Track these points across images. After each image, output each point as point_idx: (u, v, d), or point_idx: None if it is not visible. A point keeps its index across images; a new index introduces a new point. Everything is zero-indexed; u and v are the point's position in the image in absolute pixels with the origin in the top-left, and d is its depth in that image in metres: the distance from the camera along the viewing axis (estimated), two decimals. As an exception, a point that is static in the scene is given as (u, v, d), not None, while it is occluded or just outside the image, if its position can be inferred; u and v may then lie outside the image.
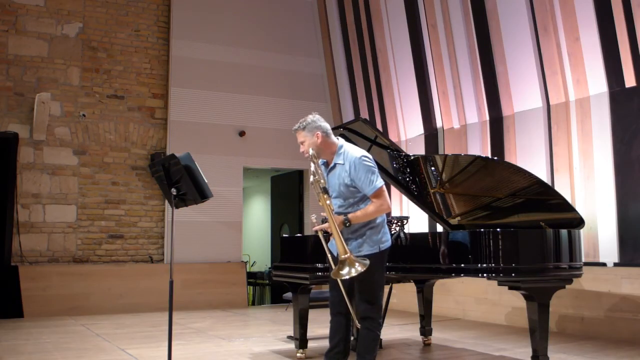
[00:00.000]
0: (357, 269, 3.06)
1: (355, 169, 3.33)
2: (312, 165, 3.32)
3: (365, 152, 3.44)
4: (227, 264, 9.02)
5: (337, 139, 3.50)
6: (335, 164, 3.44)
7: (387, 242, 3.44)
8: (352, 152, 3.40)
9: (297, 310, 4.83)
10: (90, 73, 8.68)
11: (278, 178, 11.12)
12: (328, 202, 3.25)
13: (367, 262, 3.10)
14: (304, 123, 3.45)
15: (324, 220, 3.41)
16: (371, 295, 3.36)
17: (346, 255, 3.10)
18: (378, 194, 3.32)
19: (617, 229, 5.80)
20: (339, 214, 3.39)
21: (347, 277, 3.08)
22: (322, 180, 3.30)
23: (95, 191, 8.57)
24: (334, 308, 3.49)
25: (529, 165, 6.30)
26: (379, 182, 3.34)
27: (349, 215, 3.33)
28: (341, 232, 3.22)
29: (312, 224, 3.43)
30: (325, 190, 3.28)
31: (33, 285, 7.64)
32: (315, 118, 3.47)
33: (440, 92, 7.98)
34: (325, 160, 3.52)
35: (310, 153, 3.37)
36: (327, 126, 3.47)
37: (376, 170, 3.38)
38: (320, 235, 3.38)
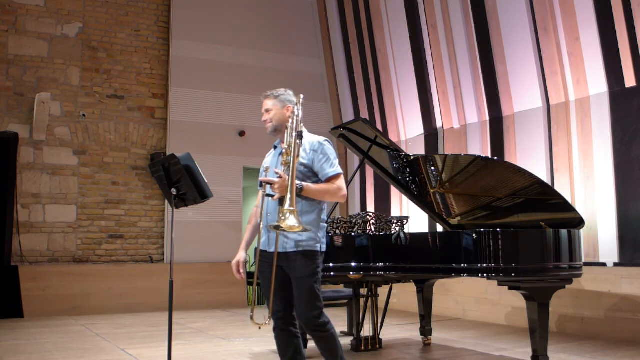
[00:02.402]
0: (295, 221, 2.73)
1: (317, 150, 3.08)
2: (297, 109, 3.08)
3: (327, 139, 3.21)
4: (227, 264, 9.01)
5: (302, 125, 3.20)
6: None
7: (325, 245, 3.12)
8: (313, 136, 3.18)
9: (297, 310, 4.82)
10: (90, 73, 8.68)
11: (278, 178, 11.12)
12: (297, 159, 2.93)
13: (309, 228, 2.87)
14: (277, 93, 3.20)
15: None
16: (316, 299, 2.99)
17: (292, 208, 2.76)
18: (337, 177, 3.06)
19: (617, 229, 5.80)
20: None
21: (286, 225, 2.72)
22: (302, 124, 3.04)
23: (95, 191, 8.57)
24: (279, 319, 3.09)
25: (529, 165, 6.30)
26: (340, 169, 3.11)
27: (304, 184, 2.96)
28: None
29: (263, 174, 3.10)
30: (300, 136, 2.98)
31: (33, 285, 7.64)
32: (289, 92, 3.24)
33: (440, 92, 7.99)
34: (278, 141, 3.29)
35: (301, 98, 3.13)
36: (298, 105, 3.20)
37: (338, 159, 3.17)
38: (264, 190, 3.01)
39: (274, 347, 5.34)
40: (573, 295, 5.93)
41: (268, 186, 2.97)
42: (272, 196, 2.94)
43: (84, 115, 8.58)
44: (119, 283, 8.14)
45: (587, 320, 5.85)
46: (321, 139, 3.16)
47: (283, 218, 2.74)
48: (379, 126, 9.03)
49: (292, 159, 2.90)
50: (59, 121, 8.44)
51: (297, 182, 2.92)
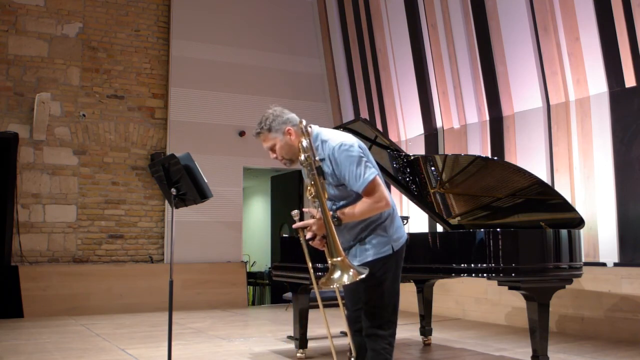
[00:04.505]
0: (350, 277, 2.39)
1: (337, 163, 2.59)
2: (304, 141, 2.58)
3: (345, 138, 2.64)
4: (227, 264, 9.02)
5: (310, 127, 2.66)
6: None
7: (401, 237, 2.71)
8: (330, 140, 2.64)
9: (297, 310, 4.83)
10: (90, 73, 8.68)
11: (278, 178, 11.12)
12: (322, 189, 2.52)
13: (366, 270, 2.45)
14: (268, 122, 2.67)
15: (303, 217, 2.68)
16: (379, 307, 2.66)
17: (339, 258, 2.42)
18: (370, 189, 2.56)
19: (617, 229, 5.80)
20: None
21: (337, 285, 2.41)
22: (317, 158, 2.56)
23: (95, 191, 8.57)
24: (352, 324, 2.83)
25: (529, 165, 6.30)
26: (370, 173, 2.57)
27: (339, 212, 2.59)
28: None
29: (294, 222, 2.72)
30: (320, 171, 2.53)
31: (33, 285, 7.64)
32: (278, 111, 2.70)
33: (440, 92, 7.98)
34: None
35: (304, 124, 2.61)
36: (295, 116, 2.72)
37: (363, 158, 2.61)
38: (302, 237, 2.65)
39: (274, 347, 5.36)
40: (573, 295, 5.93)
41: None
42: (312, 239, 2.61)
43: (84, 115, 8.58)
44: (119, 283, 8.14)
45: (587, 320, 5.85)
46: (336, 143, 2.63)
47: (332, 276, 2.41)
48: (379, 126, 9.03)
49: (319, 201, 2.50)
50: (59, 121, 8.43)
51: (332, 213, 2.56)
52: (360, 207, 2.58)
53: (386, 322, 2.66)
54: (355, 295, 2.76)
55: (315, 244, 2.63)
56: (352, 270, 2.40)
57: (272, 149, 2.71)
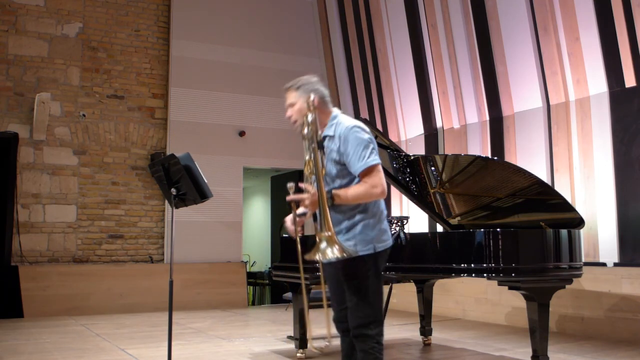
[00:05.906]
0: (334, 252, 2.40)
1: (345, 140, 2.63)
2: (310, 115, 2.64)
3: (361, 124, 2.72)
4: (227, 264, 9.02)
5: (332, 107, 2.81)
6: (324, 137, 2.74)
7: (385, 241, 2.72)
8: (345, 122, 2.72)
9: (297, 310, 4.83)
10: (90, 73, 8.68)
11: (278, 178, 11.12)
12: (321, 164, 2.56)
13: (351, 251, 2.49)
14: (300, 82, 2.80)
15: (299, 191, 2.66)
16: (364, 306, 2.65)
17: (328, 233, 2.42)
18: (369, 171, 2.58)
19: (617, 229, 5.80)
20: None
21: (323, 259, 2.43)
22: (320, 132, 2.64)
23: (95, 191, 8.57)
24: (339, 324, 2.83)
25: (529, 165, 6.30)
26: (374, 159, 2.60)
27: (334, 191, 2.59)
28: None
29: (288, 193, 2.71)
30: (321, 145, 2.60)
31: (33, 285, 7.64)
32: (313, 79, 2.82)
33: (440, 92, 7.98)
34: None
35: (312, 98, 2.70)
36: (327, 92, 2.81)
37: (372, 145, 2.64)
38: (294, 211, 2.68)
39: (274, 347, 5.36)
40: (573, 295, 5.93)
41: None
42: (305, 214, 2.66)
43: (84, 115, 8.58)
44: (119, 283, 8.14)
45: (587, 320, 5.85)
46: (350, 124, 2.68)
47: (320, 254, 2.43)
48: (379, 126, 9.03)
49: (316, 175, 2.53)
50: (59, 121, 8.43)
51: (326, 189, 2.58)
52: (354, 190, 2.61)
53: (372, 321, 2.66)
54: (340, 295, 2.78)
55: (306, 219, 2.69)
56: (337, 246, 2.42)
57: (292, 105, 2.78)
